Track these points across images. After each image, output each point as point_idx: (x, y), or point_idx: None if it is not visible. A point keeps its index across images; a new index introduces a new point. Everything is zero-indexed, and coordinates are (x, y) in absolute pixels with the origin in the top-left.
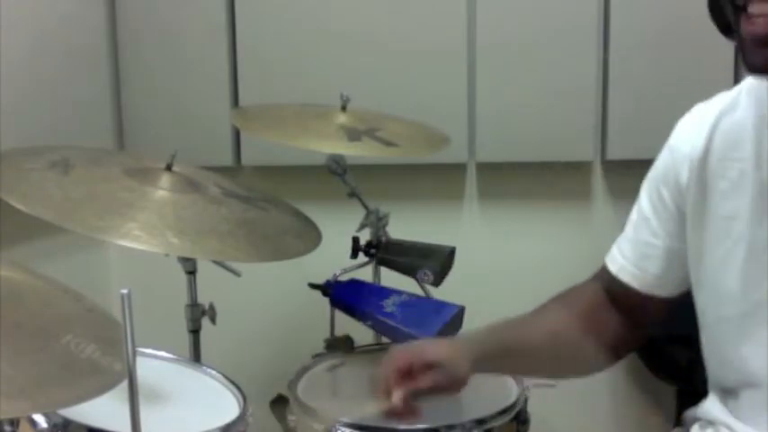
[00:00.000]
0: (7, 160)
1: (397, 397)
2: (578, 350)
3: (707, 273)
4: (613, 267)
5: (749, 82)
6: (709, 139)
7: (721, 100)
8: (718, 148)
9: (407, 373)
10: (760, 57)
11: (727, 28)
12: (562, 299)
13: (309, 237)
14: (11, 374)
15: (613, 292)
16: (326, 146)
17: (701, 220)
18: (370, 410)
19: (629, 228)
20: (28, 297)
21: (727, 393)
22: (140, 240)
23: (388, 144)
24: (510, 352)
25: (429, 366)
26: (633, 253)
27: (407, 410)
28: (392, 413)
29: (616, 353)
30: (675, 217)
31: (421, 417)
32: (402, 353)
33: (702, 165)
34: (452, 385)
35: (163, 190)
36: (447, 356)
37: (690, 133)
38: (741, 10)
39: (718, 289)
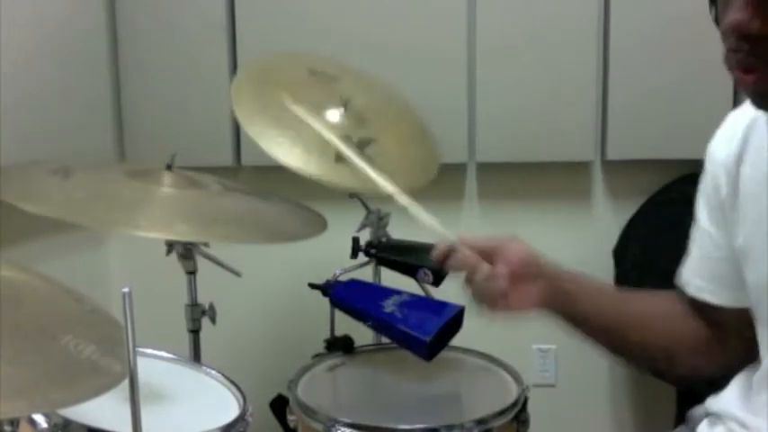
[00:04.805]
0: (7, 173)
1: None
2: (668, 340)
3: (750, 275)
4: (691, 290)
5: None
6: (743, 145)
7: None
8: (751, 153)
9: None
10: (760, 103)
11: None
12: (652, 294)
13: (314, 222)
14: (10, 374)
15: (696, 307)
16: (311, 166)
17: (736, 224)
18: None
19: (695, 248)
20: (28, 297)
21: (753, 387)
22: (149, 229)
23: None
24: (599, 305)
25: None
26: (706, 272)
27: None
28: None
29: (697, 361)
30: (727, 225)
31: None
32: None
33: (736, 170)
34: (533, 272)
35: (166, 187)
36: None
37: (724, 140)
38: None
39: (758, 291)
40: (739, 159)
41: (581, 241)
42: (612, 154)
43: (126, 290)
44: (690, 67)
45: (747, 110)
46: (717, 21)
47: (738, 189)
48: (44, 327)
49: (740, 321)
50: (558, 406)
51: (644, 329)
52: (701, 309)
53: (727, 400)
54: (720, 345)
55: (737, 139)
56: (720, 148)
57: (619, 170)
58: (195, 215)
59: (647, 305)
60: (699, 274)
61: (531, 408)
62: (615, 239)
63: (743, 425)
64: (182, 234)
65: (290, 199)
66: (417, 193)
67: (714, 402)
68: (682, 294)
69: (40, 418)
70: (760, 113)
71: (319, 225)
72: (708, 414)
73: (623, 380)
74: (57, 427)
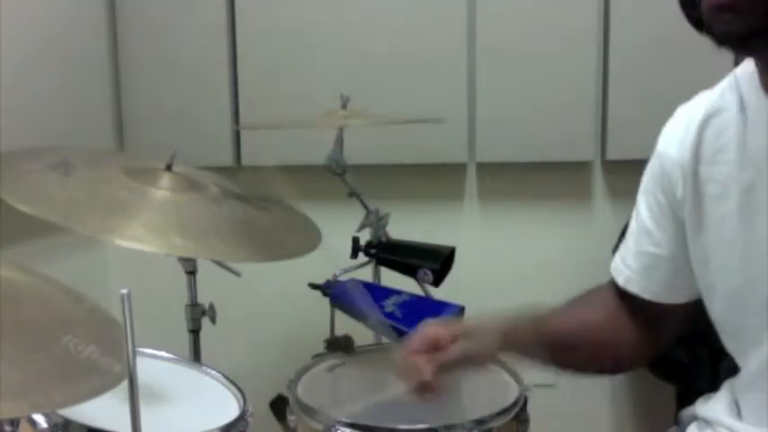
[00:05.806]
0: (6, 162)
1: (427, 371)
2: (604, 345)
3: (714, 277)
4: (620, 279)
5: (728, 80)
6: (698, 144)
7: (704, 101)
8: (706, 153)
9: (435, 347)
10: (722, 23)
11: (698, 21)
12: (587, 296)
13: (309, 236)
14: (10, 375)
15: (626, 300)
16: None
17: (699, 225)
18: (398, 391)
19: (631, 239)
20: (28, 297)
21: (738, 393)
22: (144, 241)
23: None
24: (540, 333)
25: (456, 337)
26: (638, 264)
27: (438, 385)
28: (423, 388)
29: (630, 359)
30: (675, 225)
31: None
32: (429, 326)
33: (694, 170)
34: (481, 355)
35: (163, 190)
36: (474, 325)
37: (677, 139)
38: None
39: (725, 293)
40: (696, 159)
41: (581, 241)
42: (612, 154)
43: (124, 291)
44: (690, 67)
45: (698, 106)
46: (688, 16)
47: (701, 190)
48: (44, 327)
49: (667, 319)
50: (558, 406)
51: (586, 340)
52: (630, 300)
53: (716, 406)
54: (647, 340)
55: (691, 138)
56: (674, 148)
57: (619, 170)
58: (191, 227)
59: (581, 317)
60: (630, 265)
61: (531, 408)
62: (615, 239)
63: (732, 430)
64: (178, 250)
65: (287, 203)
66: (418, 193)
67: (703, 408)
68: (613, 285)
69: (40, 418)
70: (712, 110)
71: (314, 239)
72: (696, 418)
73: (623, 380)
74: (57, 427)
